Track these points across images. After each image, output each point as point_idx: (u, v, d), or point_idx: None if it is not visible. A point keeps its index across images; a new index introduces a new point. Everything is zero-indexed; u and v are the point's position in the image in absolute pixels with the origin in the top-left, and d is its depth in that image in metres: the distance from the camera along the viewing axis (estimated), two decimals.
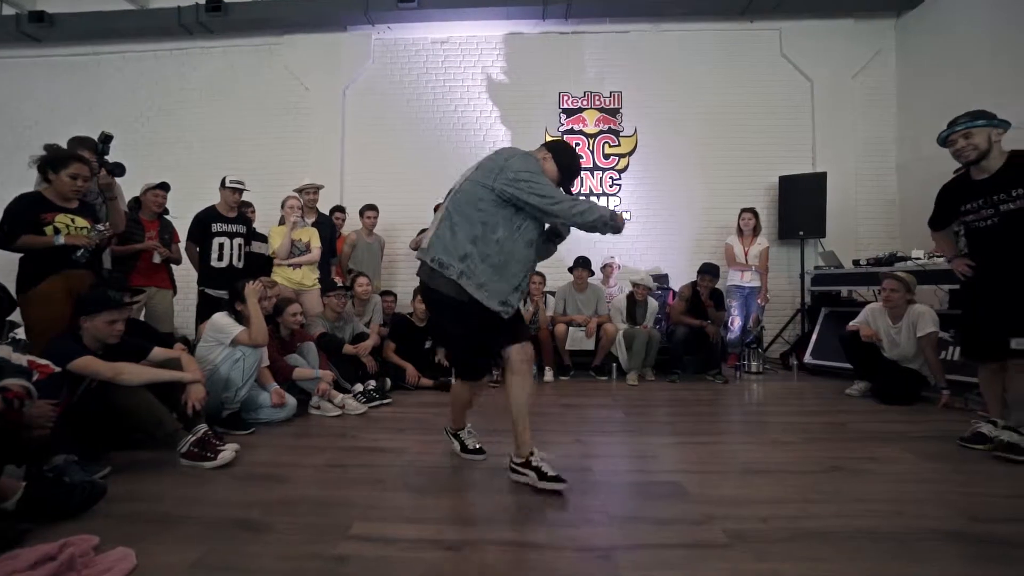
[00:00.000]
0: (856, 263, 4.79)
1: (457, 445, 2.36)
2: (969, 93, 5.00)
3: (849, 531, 1.58)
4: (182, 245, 3.94)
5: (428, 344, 4.30)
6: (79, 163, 2.59)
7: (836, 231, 5.57)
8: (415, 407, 3.47)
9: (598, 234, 1.94)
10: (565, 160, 2.05)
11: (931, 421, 3.03)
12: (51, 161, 2.59)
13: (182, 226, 3.97)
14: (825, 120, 5.89)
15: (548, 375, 4.51)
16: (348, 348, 3.81)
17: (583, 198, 1.96)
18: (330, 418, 3.11)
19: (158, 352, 2.39)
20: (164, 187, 3.80)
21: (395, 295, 5.04)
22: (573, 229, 2.02)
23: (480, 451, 2.32)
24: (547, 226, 2.08)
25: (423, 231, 5.15)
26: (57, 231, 2.55)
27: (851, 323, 3.85)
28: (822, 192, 5.43)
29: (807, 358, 4.88)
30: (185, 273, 4.17)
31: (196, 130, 6.23)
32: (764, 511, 1.73)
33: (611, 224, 1.89)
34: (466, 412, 2.38)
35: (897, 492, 1.93)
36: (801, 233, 5.50)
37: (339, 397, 3.26)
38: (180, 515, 1.69)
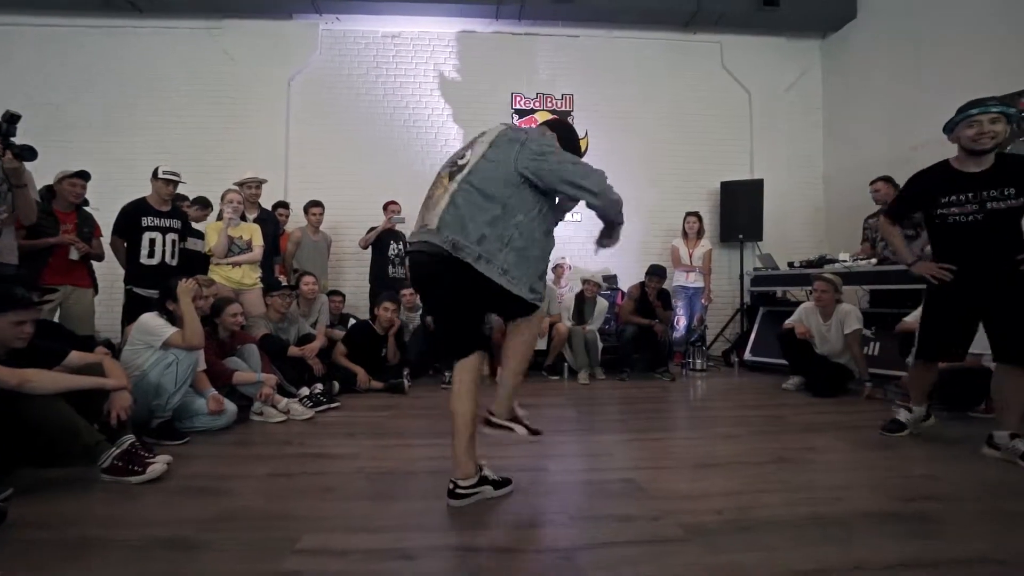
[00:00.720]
0: (790, 265, 5.09)
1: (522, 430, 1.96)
2: (885, 112, 5.47)
3: (797, 519, 1.65)
4: (105, 240, 3.60)
5: (384, 351, 4.15)
6: None
7: (772, 235, 5.90)
8: (365, 410, 3.34)
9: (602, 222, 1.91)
10: (569, 135, 1.97)
11: (858, 411, 3.24)
12: None
13: (105, 219, 3.63)
14: (761, 130, 6.24)
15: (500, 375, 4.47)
16: (293, 350, 3.63)
17: (605, 180, 1.77)
18: (274, 424, 2.93)
19: (75, 357, 2.15)
20: (83, 176, 3.45)
21: (343, 295, 4.86)
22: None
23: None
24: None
25: (372, 228, 5.02)
26: None
27: (786, 322, 4.08)
28: (759, 198, 5.75)
29: (747, 355, 5.13)
30: (108, 270, 3.83)
31: (122, 115, 5.71)
32: (718, 504, 1.77)
33: (621, 213, 1.86)
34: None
35: (835, 479, 2.05)
36: (740, 236, 5.78)
37: (283, 402, 3.08)
38: (100, 538, 1.51)
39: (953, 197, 2.29)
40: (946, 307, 2.38)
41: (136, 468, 1.91)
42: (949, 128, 2.32)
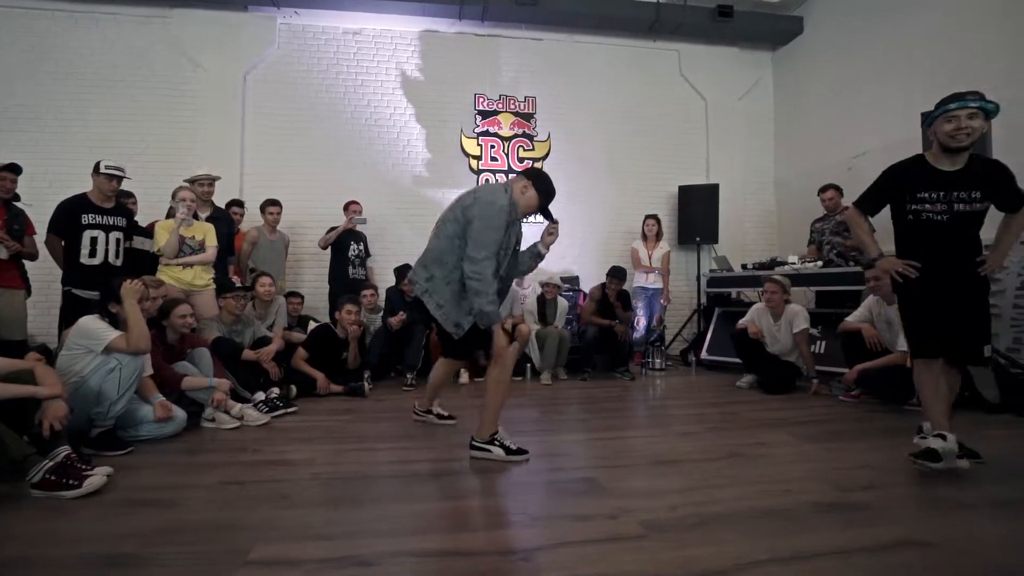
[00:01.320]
0: (744, 267, 5.29)
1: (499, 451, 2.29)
2: (830, 123, 5.78)
3: (748, 512, 1.71)
4: (40, 237, 3.38)
5: (345, 355, 4.05)
6: None
7: (727, 237, 6.12)
8: (324, 415, 3.26)
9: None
10: (544, 187, 2.34)
11: (806, 407, 3.41)
12: None
13: (40, 216, 3.40)
14: (717, 136, 6.47)
15: (463, 377, 4.47)
16: (248, 354, 3.50)
17: (488, 284, 2.19)
18: (227, 431, 2.82)
19: (2, 363, 2.01)
20: (13, 169, 3.24)
21: (302, 296, 4.72)
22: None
23: (522, 451, 2.32)
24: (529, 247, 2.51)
25: (332, 228, 4.90)
26: None
27: (739, 322, 4.25)
28: (715, 202, 5.95)
29: (703, 354, 5.30)
30: (44, 270, 3.59)
31: (60, 106, 5.36)
32: (674, 500, 1.82)
33: (483, 315, 2.20)
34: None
35: (784, 472, 2.14)
36: (697, 239, 5.97)
37: (237, 407, 2.97)
38: (26, 558, 1.41)
39: (928, 194, 2.20)
40: (922, 300, 2.26)
41: (71, 482, 1.79)
42: (928, 123, 2.25)
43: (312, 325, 4.35)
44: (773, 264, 4.94)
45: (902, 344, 3.21)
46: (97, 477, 1.84)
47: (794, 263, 4.68)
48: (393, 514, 1.71)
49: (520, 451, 2.28)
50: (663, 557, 1.41)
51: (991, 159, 2.27)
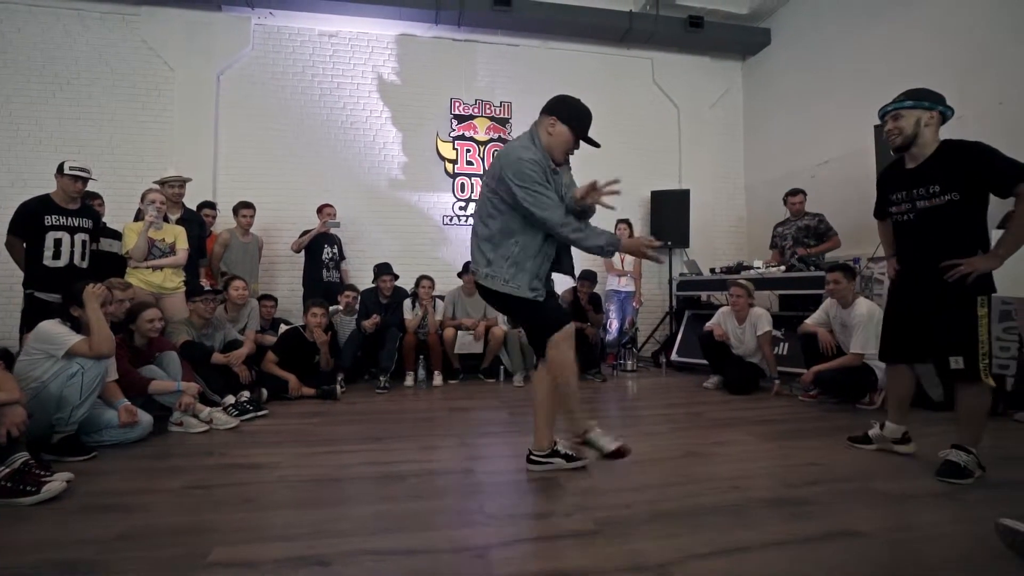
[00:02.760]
0: (712, 271, 5.44)
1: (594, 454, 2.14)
2: (796, 131, 5.98)
3: (697, 508, 1.80)
4: None
5: (317, 358, 4.06)
6: None
7: (698, 242, 6.28)
8: (294, 417, 3.27)
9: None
10: (572, 113, 2.15)
11: (767, 407, 3.54)
12: None
13: None
14: (689, 143, 6.64)
15: (437, 379, 4.50)
16: (218, 357, 3.49)
17: (572, 223, 2.08)
18: (195, 435, 2.81)
19: None
20: None
21: (275, 299, 4.70)
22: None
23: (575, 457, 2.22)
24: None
25: (306, 232, 4.90)
26: None
27: (706, 324, 4.38)
28: (686, 207, 6.10)
29: (674, 356, 5.43)
30: (5, 272, 3.52)
31: (18, 104, 5.23)
32: (628, 498, 1.90)
33: (599, 249, 2.12)
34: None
35: (736, 470, 2.23)
36: (669, 243, 6.10)
37: (206, 411, 2.96)
38: None
39: (896, 195, 2.21)
40: (894, 308, 2.31)
41: (29, 488, 1.78)
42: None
43: (283, 328, 4.34)
44: (740, 268, 5.09)
45: (856, 346, 3.38)
46: (56, 483, 1.83)
47: (759, 267, 4.84)
48: (355, 515, 1.75)
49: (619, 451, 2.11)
50: (611, 551, 1.48)
51: (962, 143, 2.07)
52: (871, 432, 2.46)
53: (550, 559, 1.45)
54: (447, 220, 5.98)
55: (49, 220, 3.22)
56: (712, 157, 6.72)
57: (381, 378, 4.23)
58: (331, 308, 4.38)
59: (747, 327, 4.16)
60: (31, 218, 3.20)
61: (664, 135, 6.61)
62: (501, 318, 4.87)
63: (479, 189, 6.00)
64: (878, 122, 3.45)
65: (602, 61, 6.46)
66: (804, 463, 2.31)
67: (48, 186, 3.40)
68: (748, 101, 6.84)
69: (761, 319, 4.11)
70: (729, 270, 5.16)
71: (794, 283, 4.53)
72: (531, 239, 2.10)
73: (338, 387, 3.87)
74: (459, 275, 4.91)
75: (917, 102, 2.09)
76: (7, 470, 1.79)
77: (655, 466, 2.30)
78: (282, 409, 3.46)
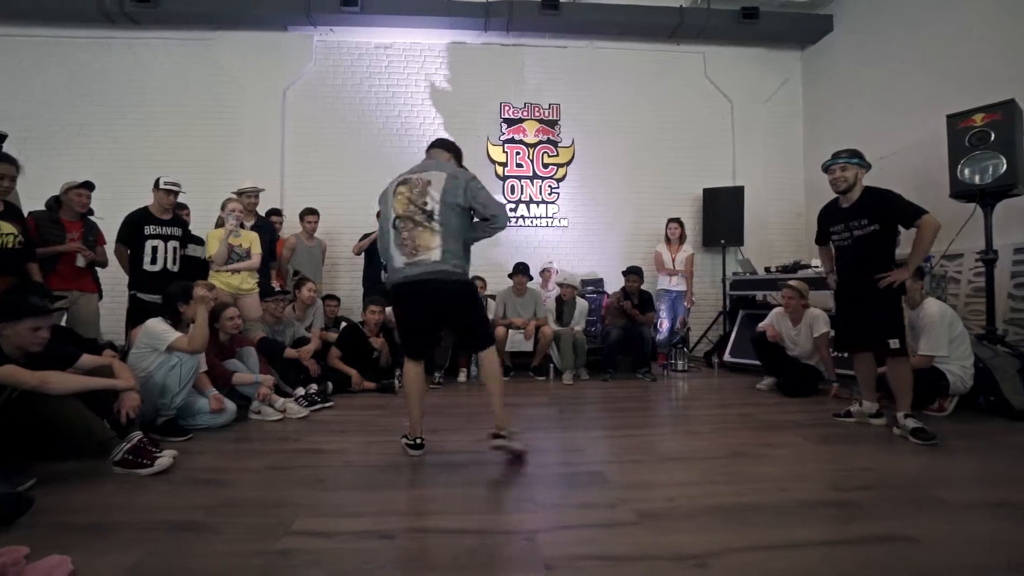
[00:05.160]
0: (767, 270, 5.30)
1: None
2: (860, 122, 5.69)
3: (739, 506, 1.84)
4: (109, 247, 3.78)
5: (376, 354, 4.33)
6: (5, 163, 2.49)
7: (753, 240, 6.11)
8: (357, 410, 3.53)
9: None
10: (454, 150, 2.64)
11: (822, 410, 3.44)
12: None
13: (107, 227, 3.81)
14: (743, 138, 6.46)
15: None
16: (289, 352, 3.81)
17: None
18: (271, 422, 3.12)
19: (87, 360, 2.34)
20: (88, 186, 3.63)
21: (338, 299, 5.04)
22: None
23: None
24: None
25: (366, 235, 5.19)
26: None
27: (759, 325, 4.29)
28: (740, 204, 5.95)
29: (727, 356, 5.33)
30: (112, 276, 4.00)
31: (120, 126, 5.87)
32: (671, 493, 1.97)
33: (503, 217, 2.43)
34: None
35: (783, 471, 2.24)
36: (723, 241, 5.99)
37: (280, 401, 3.27)
38: (115, 522, 1.70)
39: (835, 227, 2.98)
40: (838, 309, 3.12)
41: (144, 461, 2.10)
42: (823, 169, 3.01)
43: (343, 326, 4.64)
44: (796, 267, 4.94)
45: (924, 347, 3.23)
46: (165, 458, 2.15)
47: (817, 267, 4.67)
48: (414, 497, 1.94)
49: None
50: (651, 541, 1.57)
51: (879, 190, 2.85)
52: (853, 408, 3.15)
53: (593, 545, 1.56)
54: None
55: (148, 230, 3.63)
56: (768, 152, 6.50)
57: (436, 374, 4.45)
58: (388, 307, 4.64)
59: (803, 329, 4.05)
60: (134, 228, 3.63)
61: (717, 131, 6.47)
62: (551, 317, 4.98)
63: (527, 191, 6.17)
64: (954, 110, 3.72)
65: (651, 58, 6.41)
66: (858, 468, 2.28)
67: (139, 199, 3.85)
68: (808, 92, 6.56)
69: (818, 320, 3.98)
70: (785, 269, 5.02)
71: None
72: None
73: (396, 382, 4.12)
74: (510, 276, 5.06)
75: (860, 161, 2.88)
76: (127, 445, 2.11)
77: (700, 464, 2.34)
78: (346, 401, 3.74)
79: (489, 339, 2.53)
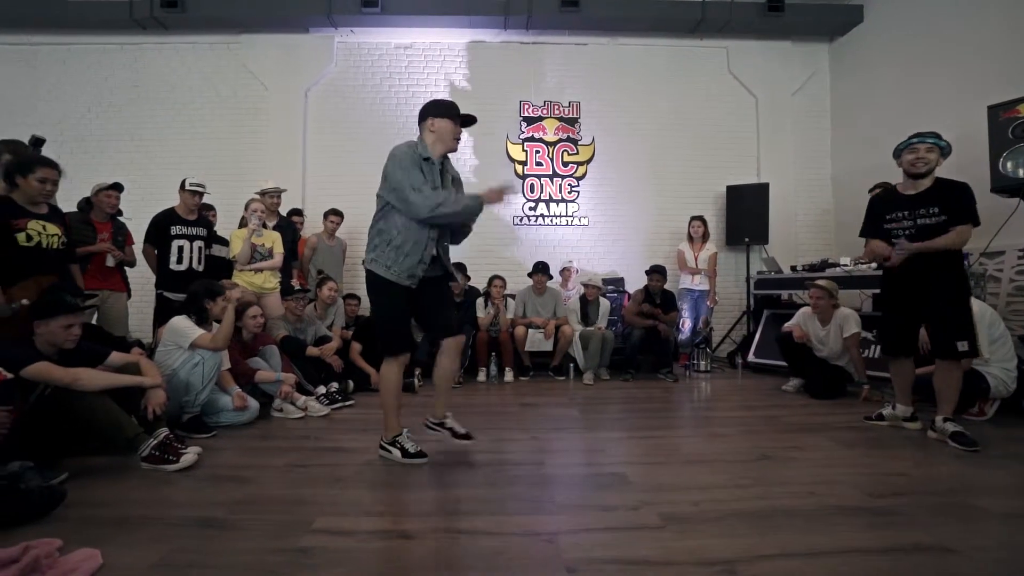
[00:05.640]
0: (793, 269, 5.16)
1: (397, 453, 2.33)
2: (893, 115, 5.49)
3: (767, 510, 1.78)
4: (137, 247, 3.87)
5: None
6: (49, 167, 2.57)
7: (778, 238, 5.96)
8: (377, 408, 3.47)
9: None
10: (440, 108, 2.33)
11: (852, 413, 3.32)
12: (19, 165, 2.55)
13: (135, 227, 3.90)
14: (768, 134, 6.30)
15: (508, 375, 4.66)
16: (312, 350, 3.85)
17: (435, 196, 2.18)
18: (293, 420, 3.15)
19: (116, 357, 2.39)
20: (118, 187, 3.73)
21: (359, 298, 5.06)
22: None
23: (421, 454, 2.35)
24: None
25: None
26: (30, 238, 2.52)
27: (785, 325, 4.18)
28: (765, 201, 5.81)
29: (751, 357, 5.21)
30: (139, 275, 4.10)
31: (149, 129, 6.04)
32: (696, 496, 1.92)
33: (468, 211, 2.26)
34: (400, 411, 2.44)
35: (813, 475, 2.16)
36: (747, 240, 5.85)
37: (302, 399, 3.30)
38: (143, 516, 1.73)
39: (894, 215, 2.78)
40: (888, 310, 2.90)
41: (171, 457, 2.14)
42: (896, 153, 2.78)
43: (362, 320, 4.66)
44: (824, 266, 4.79)
45: (964, 346, 3.09)
46: (190, 455, 2.19)
47: (846, 265, 4.53)
48: (434, 498, 1.92)
49: (419, 454, 2.31)
50: (675, 545, 1.53)
51: (954, 182, 2.67)
52: (884, 411, 3.01)
53: (616, 548, 1.52)
54: (517, 221, 6.12)
55: (174, 230, 3.71)
56: (794, 147, 6.34)
57: (457, 374, 4.44)
58: None
59: (832, 329, 3.93)
60: (161, 228, 3.71)
61: (741, 127, 6.33)
62: (575, 317, 4.94)
63: (547, 189, 6.13)
64: (995, 101, 3.57)
65: (673, 54, 6.30)
66: (892, 472, 2.20)
67: (165, 199, 3.93)
68: (836, 85, 6.36)
69: (848, 320, 3.86)
70: (812, 268, 4.88)
71: None
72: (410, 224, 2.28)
73: (416, 381, 4.13)
74: (529, 275, 5.04)
75: (946, 146, 2.65)
76: (154, 441, 2.15)
77: (725, 467, 2.28)
78: (366, 400, 3.76)
79: (387, 346, 2.42)
